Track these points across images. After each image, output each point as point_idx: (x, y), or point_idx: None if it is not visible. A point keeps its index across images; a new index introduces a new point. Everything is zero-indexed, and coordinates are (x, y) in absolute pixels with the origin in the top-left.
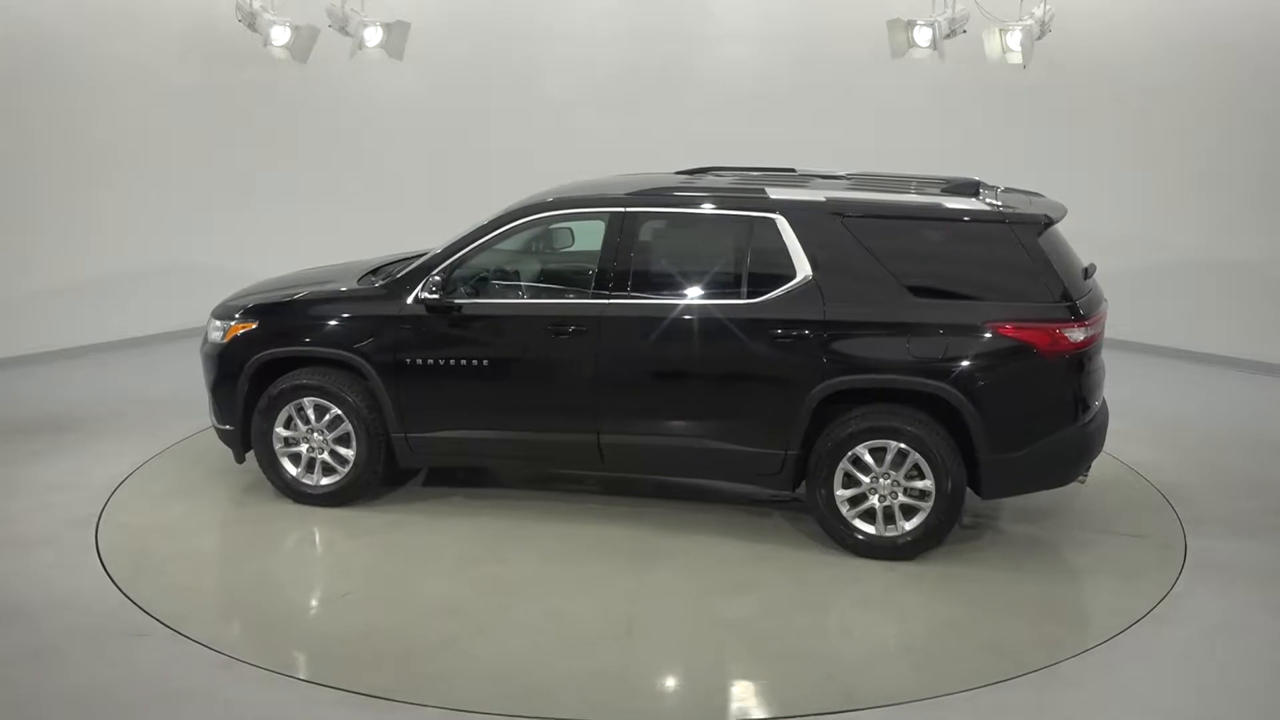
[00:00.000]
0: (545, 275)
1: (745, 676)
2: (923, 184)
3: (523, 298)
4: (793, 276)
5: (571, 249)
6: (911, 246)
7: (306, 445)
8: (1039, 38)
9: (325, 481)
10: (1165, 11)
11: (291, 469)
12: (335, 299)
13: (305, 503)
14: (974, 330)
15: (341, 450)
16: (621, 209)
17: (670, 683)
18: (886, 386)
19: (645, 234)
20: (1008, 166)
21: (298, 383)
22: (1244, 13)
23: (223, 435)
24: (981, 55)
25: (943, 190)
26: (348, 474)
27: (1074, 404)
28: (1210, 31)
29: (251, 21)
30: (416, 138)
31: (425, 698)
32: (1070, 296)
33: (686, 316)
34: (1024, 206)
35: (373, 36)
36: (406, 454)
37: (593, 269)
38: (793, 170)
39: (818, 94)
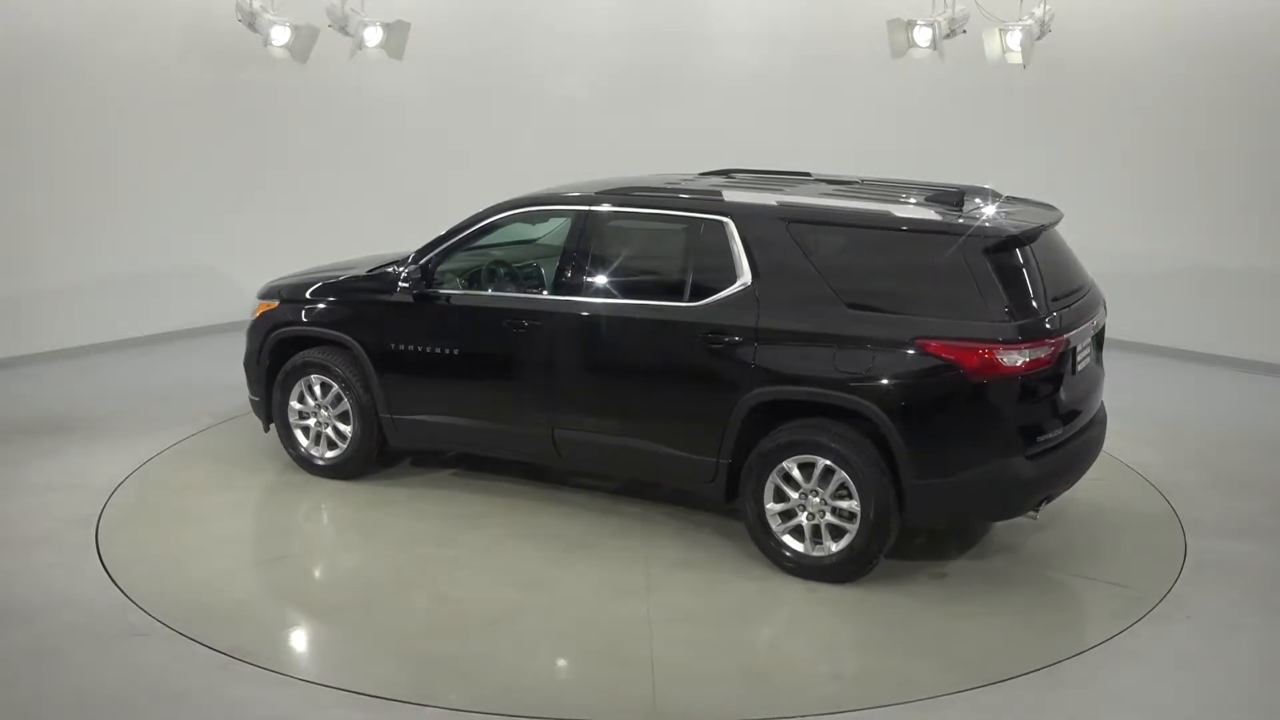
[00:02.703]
0: (515, 271)
1: (569, 675)
2: (919, 192)
3: (490, 291)
4: (734, 281)
5: (547, 246)
6: (854, 255)
7: (314, 419)
8: (1039, 38)
9: (329, 454)
10: (1165, 11)
11: (303, 440)
12: (339, 284)
13: (314, 473)
14: (901, 346)
15: (341, 426)
16: (584, 208)
17: (489, 673)
18: (811, 399)
19: (604, 233)
20: (1007, 166)
21: (306, 360)
22: (1244, 13)
23: (253, 405)
24: (981, 55)
25: (928, 198)
26: (346, 449)
27: (1015, 433)
28: (1210, 31)
29: (251, 21)
30: (416, 138)
31: (263, 659)
32: (1016, 316)
33: (633, 317)
34: (1022, 217)
35: (373, 36)
36: (393, 434)
37: (555, 266)
38: (807, 174)
39: (818, 94)
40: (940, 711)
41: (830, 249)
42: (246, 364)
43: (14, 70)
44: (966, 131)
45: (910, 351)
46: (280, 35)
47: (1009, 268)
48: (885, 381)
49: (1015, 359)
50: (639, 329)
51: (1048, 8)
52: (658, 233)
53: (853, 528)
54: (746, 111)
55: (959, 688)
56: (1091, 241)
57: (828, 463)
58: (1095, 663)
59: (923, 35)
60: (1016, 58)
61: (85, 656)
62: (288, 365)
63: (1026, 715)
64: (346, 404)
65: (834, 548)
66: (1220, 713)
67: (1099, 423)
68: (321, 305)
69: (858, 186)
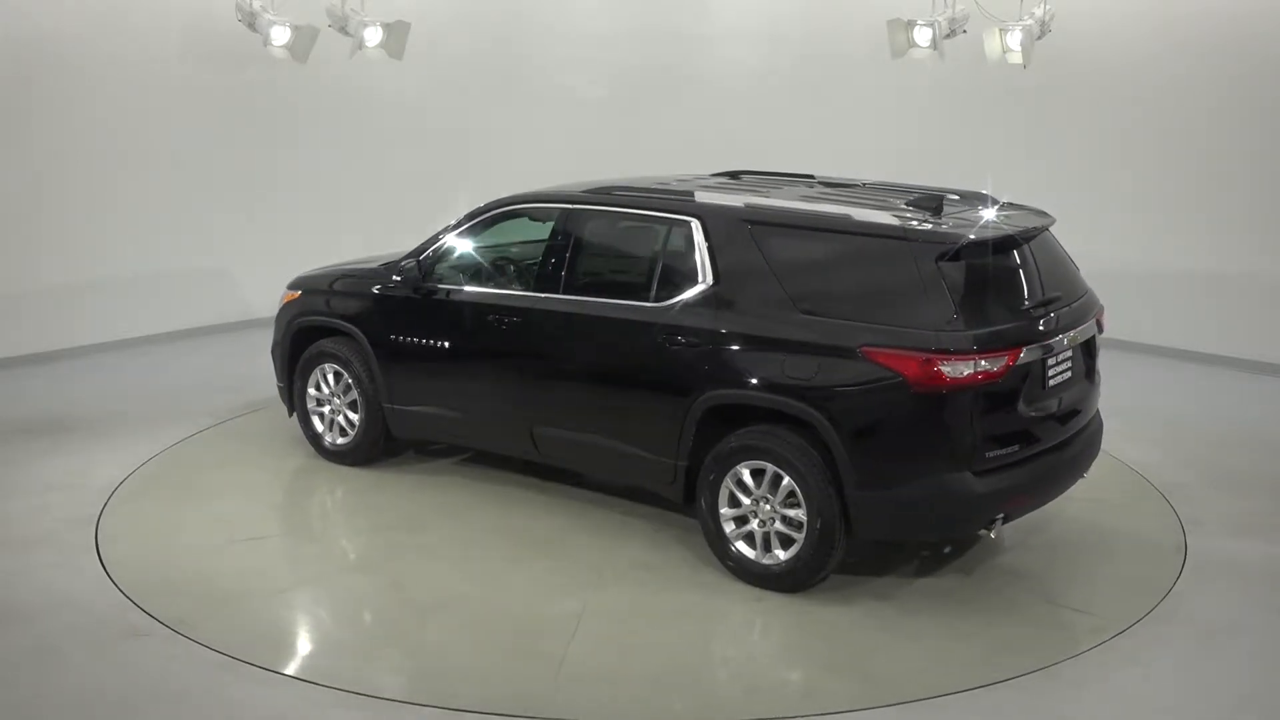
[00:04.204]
0: (503, 267)
1: (471, 666)
2: (904, 195)
3: (476, 287)
4: (696, 283)
5: (535, 244)
6: (810, 259)
7: (328, 406)
8: (1039, 38)
9: (339, 441)
10: (1165, 11)
11: (319, 426)
12: (349, 277)
13: (326, 458)
14: (846, 353)
15: (350, 414)
16: (564, 206)
17: (392, 659)
18: (761, 405)
19: (582, 232)
20: (1008, 166)
21: (321, 349)
22: (1244, 12)
23: (279, 391)
24: (981, 55)
25: (908, 203)
26: (353, 437)
27: (961, 447)
28: (1210, 31)
29: (251, 21)
30: (416, 138)
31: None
32: (963, 326)
33: (602, 315)
34: (1000, 224)
35: (373, 36)
36: (394, 424)
37: (537, 264)
38: (811, 176)
39: (817, 94)
40: (937, 712)
41: (788, 252)
42: (273, 351)
43: (14, 70)
44: (967, 132)
45: (855, 359)
46: (280, 35)
47: (960, 275)
48: (830, 389)
49: (960, 370)
50: (608, 327)
51: (1048, 8)
52: (632, 232)
53: (801, 537)
54: (747, 112)
55: (862, 705)
56: (1092, 241)
57: (777, 469)
58: (1094, 663)
59: (923, 35)
60: (1016, 58)
61: (85, 656)
62: (306, 354)
63: (1025, 715)
64: (355, 393)
65: (782, 556)
66: (1220, 713)
67: (1085, 438)
68: (333, 296)
69: (853, 190)
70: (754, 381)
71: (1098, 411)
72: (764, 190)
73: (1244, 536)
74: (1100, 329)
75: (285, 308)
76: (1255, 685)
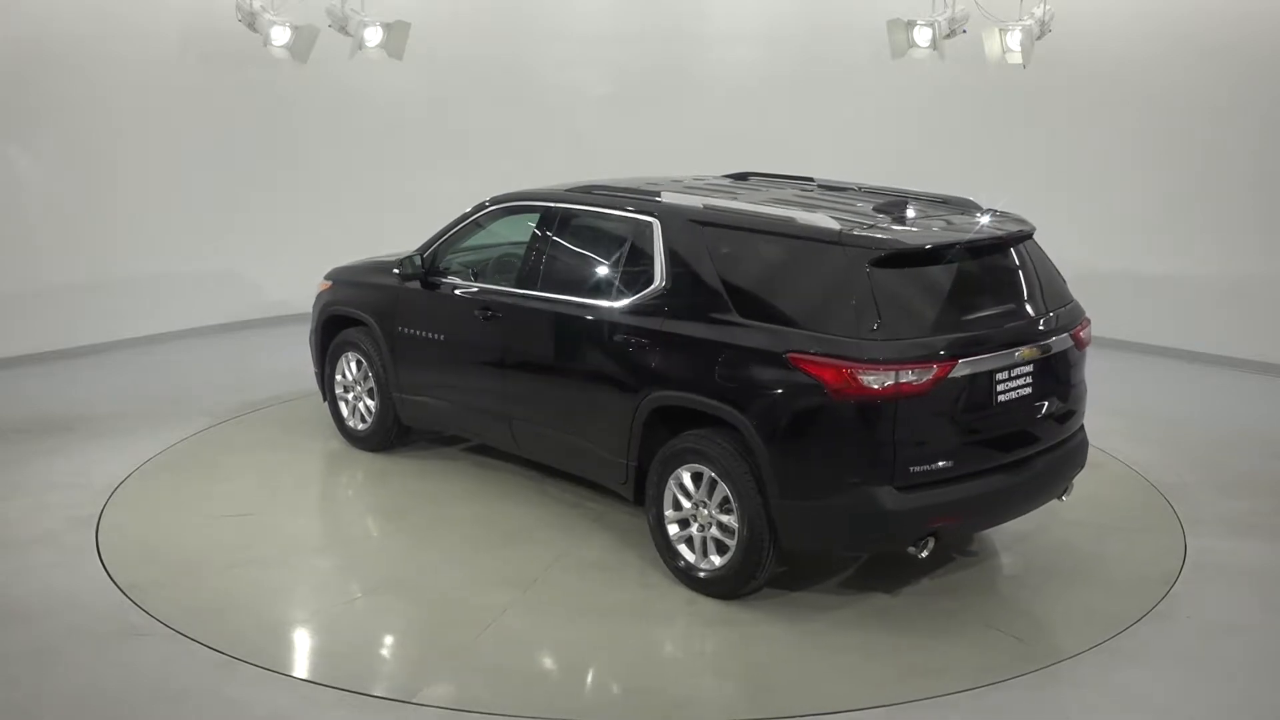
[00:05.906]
0: (491, 264)
1: (371, 652)
2: (875, 199)
3: (466, 282)
4: (651, 283)
5: (520, 241)
6: (753, 262)
7: (351, 393)
8: (1039, 38)
9: (360, 427)
10: (1165, 11)
11: (344, 411)
12: (368, 269)
13: (350, 443)
14: (774, 359)
15: (369, 402)
16: (544, 204)
17: (313, 642)
18: (695, 408)
19: (559, 230)
20: (1008, 167)
21: (345, 338)
22: (1244, 13)
23: (316, 377)
24: (981, 55)
25: (875, 208)
26: (371, 423)
27: (882, 460)
28: (1210, 31)
29: (251, 21)
30: (417, 138)
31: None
32: (888, 335)
33: (568, 313)
34: (966, 231)
35: (373, 36)
36: (402, 412)
37: (519, 261)
38: (810, 179)
39: (818, 94)
40: (939, 710)
41: (734, 254)
42: (309, 339)
43: (14, 70)
44: (966, 132)
45: (783, 365)
46: (280, 35)
47: (895, 283)
48: (755, 394)
49: (882, 380)
50: (573, 325)
51: (1048, 8)
52: (603, 232)
53: (733, 544)
54: (748, 112)
55: (740, 715)
56: (1091, 241)
57: (713, 474)
58: (1094, 662)
59: (923, 35)
60: (1016, 58)
61: (85, 656)
62: (333, 343)
63: (1026, 715)
64: (373, 381)
65: (717, 562)
66: (1220, 713)
67: (1054, 457)
68: (356, 288)
69: (842, 193)
70: (690, 384)
71: (1081, 428)
72: (734, 192)
73: (1244, 536)
74: (1079, 343)
75: (319, 297)
76: (1255, 685)
